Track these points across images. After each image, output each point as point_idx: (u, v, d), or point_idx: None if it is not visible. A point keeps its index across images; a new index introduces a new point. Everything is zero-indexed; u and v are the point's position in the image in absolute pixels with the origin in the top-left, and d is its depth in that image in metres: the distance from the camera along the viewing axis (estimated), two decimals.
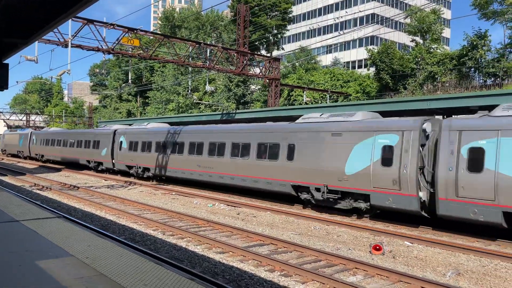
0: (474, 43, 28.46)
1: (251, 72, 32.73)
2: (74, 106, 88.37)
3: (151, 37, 30.00)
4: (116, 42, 23.28)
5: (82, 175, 29.42)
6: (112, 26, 22.54)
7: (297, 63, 52.34)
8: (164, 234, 11.45)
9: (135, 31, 23.73)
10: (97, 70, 50.63)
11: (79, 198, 17.42)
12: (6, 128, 59.92)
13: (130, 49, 26.04)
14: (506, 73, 26.97)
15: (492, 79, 27.67)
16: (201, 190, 21.23)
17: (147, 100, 65.44)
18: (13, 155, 50.75)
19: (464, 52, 29.28)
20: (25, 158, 45.71)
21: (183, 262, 8.72)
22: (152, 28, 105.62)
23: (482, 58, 28.51)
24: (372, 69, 40.15)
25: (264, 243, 10.71)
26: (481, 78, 28.94)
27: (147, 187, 22.26)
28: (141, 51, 25.08)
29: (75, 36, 21.51)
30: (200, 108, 52.71)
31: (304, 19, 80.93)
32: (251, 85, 52.59)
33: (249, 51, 30.75)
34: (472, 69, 29.39)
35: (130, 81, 43.07)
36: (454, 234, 11.92)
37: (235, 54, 28.99)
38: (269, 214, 14.79)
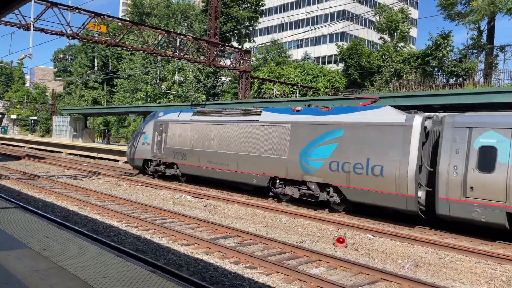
0: (438, 43, 29.43)
1: (221, 63, 32.48)
2: (37, 92, 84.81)
3: (119, 24, 29.16)
4: (82, 27, 22.46)
5: (44, 163, 28.37)
6: (77, 10, 21.73)
7: (268, 56, 52.34)
8: (128, 225, 11.24)
9: (102, 16, 22.98)
10: (62, 56, 48.68)
11: (39, 188, 16.81)
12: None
13: (97, 35, 25.20)
14: (467, 73, 28.09)
15: (454, 78, 28.77)
16: (167, 181, 20.90)
17: (113, 89, 63.73)
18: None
19: (429, 52, 30.23)
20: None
21: (147, 254, 8.60)
22: (120, 15, 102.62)
23: (445, 58, 29.54)
24: (341, 65, 40.75)
25: (230, 235, 10.72)
26: (444, 77, 30.00)
27: (112, 178, 21.75)
28: (108, 38, 24.33)
29: (38, 19, 20.59)
30: (169, 98, 51.88)
31: (276, 12, 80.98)
32: (221, 77, 52.18)
33: (220, 42, 30.45)
34: (436, 69, 30.41)
35: (96, 68, 41.74)
36: (413, 228, 12.36)
37: (205, 45, 28.64)
38: (236, 207, 14.81)
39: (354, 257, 9.42)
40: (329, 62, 65.43)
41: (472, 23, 28.68)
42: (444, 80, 29.90)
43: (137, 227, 11.14)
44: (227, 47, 32.11)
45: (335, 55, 54.70)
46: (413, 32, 70.80)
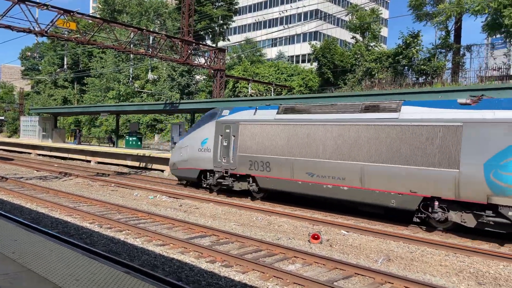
0: (408, 42, 30.23)
1: (196, 62, 32.25)
2: (3, 92, 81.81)
3: (90, 21, 28.48)
4: (51, 24, 21.81)
5: (11, 165, 27.42)
6: (45, 7, 21.06)
7: (242, 55, 52.33)
8: (101, 227, 11.02)
9: (72, 13, 22.37)
10: (29, 54, 47.07)
11: (7, 190, 16.23)
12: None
13: (66, 32, 24.53)
14: (436, 72, 28.95)
15: (424, 77, 29.61)
16: (142, 181, 20.59)
17: (84, 87, 62.20)
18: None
19: (399, 51, 31.00)
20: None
21: (121, 256, 8.46)
22: (91, 12, 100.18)
23: (414, 57, 30.37)
24: (315, 64, 41.20)
25: (206, 235, 10.67)
26: (414, 76, 30.84)
27: (84, 179, 21.25)
28: (78, 35, 23.73)
29: (4, 15, 19.87)
30: (142, 97, 51.10)
31: (250, 11, 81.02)
32: (196, 75, 51.82)
33: (194, 41, 30.22)
34: (406, 67, 31.21)
35: (66, 66, 40.54)
36: (386, 223, 12.64)
37: (179, 43, 28.35)
38: (212, 206, 14.75)
39: (329, 253, 9.55)
40: (303, 61, 66.06)
41: (440, 24, 29.53)
42: (414, 79, 30.72)
43: (110, 228, 10.93)
44: (201, 45, 31.91)
45: (308, 54, 55.26)
46: (384, 31, 72.36)
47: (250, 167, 15.35)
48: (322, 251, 9.68)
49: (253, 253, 9.14)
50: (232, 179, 16.11)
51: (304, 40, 67.55)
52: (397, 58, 31.21)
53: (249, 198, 16.28)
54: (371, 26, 35.98)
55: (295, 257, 8.89)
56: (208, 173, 17.10)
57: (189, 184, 19.30)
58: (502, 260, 8.94)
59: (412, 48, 30.19)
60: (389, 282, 7.46)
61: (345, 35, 57.11)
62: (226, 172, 16.18)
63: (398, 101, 12.67)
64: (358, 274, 7.90)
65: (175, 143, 31.84)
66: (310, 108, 14.53)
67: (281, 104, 15.62)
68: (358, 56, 34.18)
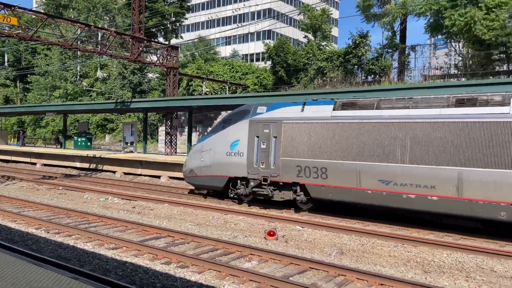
0: (357, 42, 31.30)
1: (148, 59, 31.46)
2: None
3: (33, 16, 26.98)
4: None
5: None
6: None
7: (196, 53, 51.74)
8: (48, 232, 10.48)
9: (13, 8, 21.05)
10: None
11: None
12: None
13: (7, 28, 23.08)
14: (383, 71, 30.21)
15: (372, 76, 30.80)
16: (92, 183, 19.81)
17: (28, 86, 58.88)
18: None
19: (349, 50, 32.01)
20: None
21: (71, 261, 8.10)
22: (34, 6, 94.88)
23: (363, 56, 31.51)
24: (269, 63, 41.59)
25: (161, 236, 10.47)
26: (363, 75, 31.99)
27: (29, 182, 20.12)
28: (20, 31, 22.38)
29: None
30: (91, 95, 49.17)
31: (203, 9, 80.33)
32: (148, 73, 50.60)
33: (145, 38, 29.47)
34: (356, 66, 32.29)
35: (7, 64, 38.08)
36: (339, 217, 13.01)
37: (130, 40, 27.54)
38: (167, 206, 14.48)
39: (285, 248, 9.69)
40: (257, 60, 66.45)
41: (387, 24, 30.81)
42: (363, 78, 31.86)
43: (58, 233, 10.43)
44: (153, 42, 31.17)
45: (262, 52, 55.64)
46: (335, 31, 74.37)
47: (299, 174, 13.11)
48: (278, 247, 9.81)
49: (210, 253, 9.08)
50: (272, 187, 13.91)
51: (258, 39, 67.96)
52: (347, 57, 32.21)
53: (292, 210, 14.03)
54: (322, 26, 36.86)
55: (251, 254, 8.93)
56: (239, 181, 14.69)
57: (210, 194, 16.56)
58: (446, 249, 9.48)
59: (361, 48, 31.30)
60: (342, 275, 7.69)
61: (298, 34, 58.07)
62: (265, 180, 13.90)
63: (504, 93, 10.76)
64: (313, 268, 8.08)
65: (127, 143, 31.02)
66: (379, 103, 12.29)
67: (337, 99, 13.42)
68: (310, 55, 34.88)
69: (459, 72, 28.64)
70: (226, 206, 14.45)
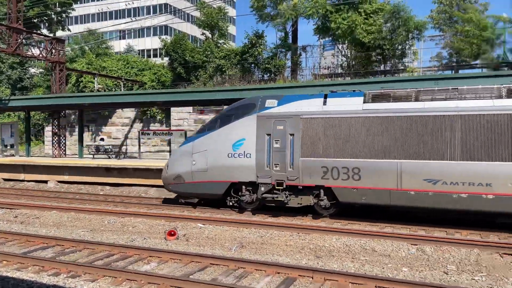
0: (253, 41, 32.21)
1: (29, 53, 28.45)
2: None
3: None
4: None
5: None
6: None
7: (86, 47, 48.19)
8: None
9: None
10: None
11: None
12: None
13: None
14: (278, 70, 31.58)
15: (268, 74, 32.00)
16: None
17: None
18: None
19: (246, 49, 32.78)
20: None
21: None
22: None
23: (259, 55, 32.54)
24: (166, 59, 40.58)
25: (48, 246, 9.63)
26: (260, 73, 33.06)
27: None
28: None
29: None
30: None
31: (93, 0, 75.21)
32: (30, 68, 45.80)
33: (24, 29, 26.58)
34: (252, 65, 33.21)
35: None
36: (238, 213, 13.31)
37: (6, 31, 24.61)
38: (55, 213, 13.34)
39: (185, 247, 9.62)
40: (155, 56, 64.36)
41: (280, 25, 32.22)
42: (260, 76, 32.91)
43: None
44: (34, 34, 28.29)
45: (160, 48, 54.07)
46: (233, 30, 75.56)
47: (324, 176, 11.61)
48: (179, 246, 9.71)
49: (105, 259, 8.62)
50: (288, 192, 12.30)
51: (154, 34, 65.86)
52: (244, 56, 32.93)
53: (309, 216, 12.55)
54: (219, 23, 37.10)
55: (150, 256, 8.70)
56: (244, 187, 12.80)
57: (202, 203, 14.42)
58: (334, 235, 10.33)
59: (257, 48, 32.25)
60: (241, 267, 7.91)
61: (196, 31, 57.69)
62: (279, 184, 12.26)
63: None
64: (213, 264, 8.17)
65: (6, 145, 27.70)
66: (418, 94, 11.24)
67: (367, 91, 12.03)
68: (209, 52, 34.89)
69: (344, 72, 31.22)
70: (124, 209, 13.81)
